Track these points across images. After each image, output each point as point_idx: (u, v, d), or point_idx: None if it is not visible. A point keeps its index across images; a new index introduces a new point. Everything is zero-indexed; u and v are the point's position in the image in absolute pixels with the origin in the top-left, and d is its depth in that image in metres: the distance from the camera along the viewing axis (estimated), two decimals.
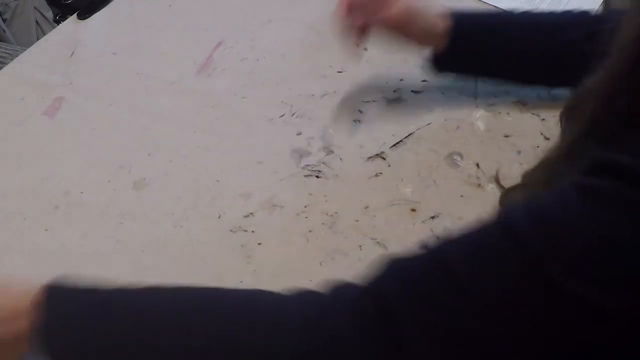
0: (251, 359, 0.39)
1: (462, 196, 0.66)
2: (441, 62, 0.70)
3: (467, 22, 0.68)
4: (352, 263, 0.61)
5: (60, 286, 0.45)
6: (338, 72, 0.82)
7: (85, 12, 0.93)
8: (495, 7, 0.93)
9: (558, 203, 0.36)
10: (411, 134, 0.73)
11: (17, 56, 0.88)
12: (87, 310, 0.43)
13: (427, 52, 0.70)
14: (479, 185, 0.67)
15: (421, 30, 0.67)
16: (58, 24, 1.17)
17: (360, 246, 0.62)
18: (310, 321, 0.39)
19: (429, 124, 0.74)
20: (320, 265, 0.60)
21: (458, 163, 0.70)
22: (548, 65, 0.69)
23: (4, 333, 0.43)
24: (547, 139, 0.71)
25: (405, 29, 0.67)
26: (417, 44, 0.70)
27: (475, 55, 0.69)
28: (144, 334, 0.41)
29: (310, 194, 0.67)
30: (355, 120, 0.75)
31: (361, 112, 0.76)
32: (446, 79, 0.75)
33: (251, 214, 0.65)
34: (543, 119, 0.73)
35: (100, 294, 0.44)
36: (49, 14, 1.83)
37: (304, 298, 0.42)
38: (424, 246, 0.41)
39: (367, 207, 0.66)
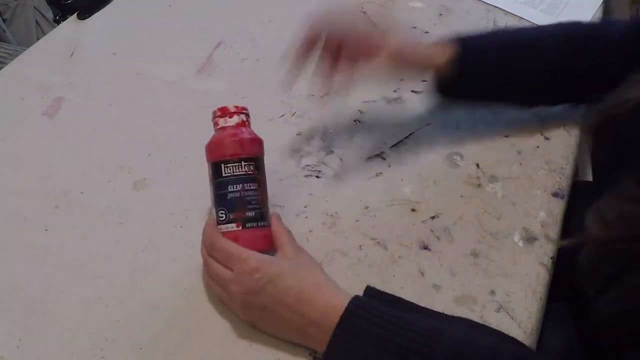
0: None
1: (462, 196, 0.66)
2: (448, 89, 0.66)
3: (472, 46, 0.65)
4: (352, 263, 0.61)
5: (360, 309, 0.50)
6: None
7: (85, 12, 0.93)
8: (495, 6, 0.93)
9: None
10: (411, 134, 0.73)
11: (17, 56, 0.88)
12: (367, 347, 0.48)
13: (429, 80, 0.67)
14: (479, 185, 0.67)
15: (420, 63, 0.64)
16: (58, 24, 1.17)
17: (360, 246, 0.62)
18: None
19: (429, 124, 0.74)
20: (320, 265, 0.60)
21: (458, 163, 0.70)
22: (556, 83, 0.67)
23: (305, 325, 0.51)
24: (547, 139, 0.71)
25: (402, 65, 0.63)
26: (417, 74, 0.67)
27: (482, 79, 0.65)
28: None
29: (310, 194, 0.67)
30: (355, 120, 0.75)
31: (361, 112, 0.76)
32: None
33: None
34: (543, 119, 0.73)
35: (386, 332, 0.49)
36: (49, 14, 1.83)
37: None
38: None
39: (367, 207, 0.66)
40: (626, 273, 0.46)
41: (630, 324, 0.46)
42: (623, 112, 0.52)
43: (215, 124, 0.59)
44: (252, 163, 0.57)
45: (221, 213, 0.56)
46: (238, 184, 0.56)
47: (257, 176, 0.57)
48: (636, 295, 0.45)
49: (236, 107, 0.59)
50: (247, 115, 0.60)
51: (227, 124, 0.58)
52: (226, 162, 0.56)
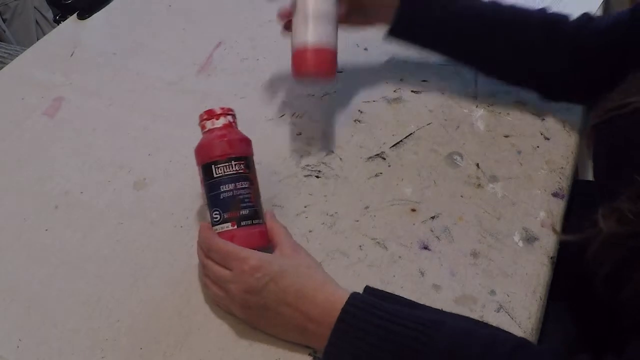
0: None
1: (462, 196, 0.66)
2: (394, 29, 0.72)
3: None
4: (352, 263, 0.61)
5: (360, 303, 0.51)
6: (338, 72, 0.82)
7: (85, 12, 0.93)
8: None
9: None
10: (411, 134, 0.73)
11: (17, 56, 0.88)
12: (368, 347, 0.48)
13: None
14: (479, 185, 0.67)
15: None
16: (58, 24, 1.17)
17: (360, 246, 0.62)
18: None
19: (429, 124, 0.74)
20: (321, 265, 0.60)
21: (458, 163, 0.70)
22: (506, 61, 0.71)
23: (304, 322, 0.51)
24: (547, 139, 0.71)
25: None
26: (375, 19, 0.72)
27: (425, 27, 0.71)
28: None
29: (310, 194, 0.67)
30: (355, 120, 0.75)
31: (361, 112, 0.76)
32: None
33: None
34: (543, 119, 0.73)
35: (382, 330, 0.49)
36: (49, 14, 1.83)
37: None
38: None
39: (367, 207, 0.66)
40: (637, 266, 0.46)
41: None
42: (623, 114, 0.52)
43: (203, 127, 0.59)
44: (242, 162, 0.57)
45: (215, 214, 0.56)
46: (230, 183, 0.56)
47: (249, 175, 0.58)
48: None
49: (222, 108, 0.59)
50: (234, 116, 0.60)
51: (215, 126, 0.58)
52: (216, 163, 0.56)
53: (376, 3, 0.71)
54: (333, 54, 0.65)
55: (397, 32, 0.72)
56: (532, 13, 0.69)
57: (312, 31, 0.64)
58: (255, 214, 0.57)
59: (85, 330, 0.56)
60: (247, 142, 0.59)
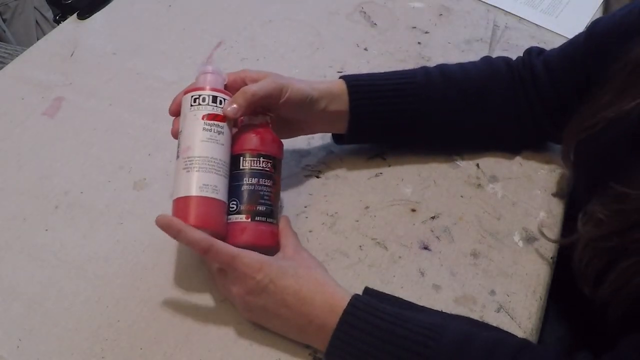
0: None
1: (462, 196, 0.66)
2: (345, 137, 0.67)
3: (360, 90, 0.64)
4: (352, 263, 0.61)
5: (363, 305, 0.51)
6: (338, 72, 0.82)
7: (85, 12, 0.93)
8: (495, 6, 0.93)
9: None
10: None
11: (17, 56, 0.88)
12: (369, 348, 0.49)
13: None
14: (479, 185, 0.67)
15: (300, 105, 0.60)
16: (58, 24, 1.17)
17: (360, 246, 0.62)
18: None
19: None
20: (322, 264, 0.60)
21: (458, 163, 0.70)
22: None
23: (306, 324, 0.51)
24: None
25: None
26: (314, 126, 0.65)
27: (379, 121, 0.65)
28: None
29: (310, 194, 0.67)
30: None
31: None
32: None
33: None
34: None
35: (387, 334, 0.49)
36: (49, 14, 1.83)
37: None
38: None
39: (367, 207, 0.66)
40: (617, 264, 0.47)
41: (625, 308, 0.48)
42: (594, 133, 0.53)
43: (241, 120, 0.60)
44: (270, 161, 0.58)
45: (232, 204, 0.57)
46: (254, 177, 0.57)
47: (274, 175, 0.59)
48: (627, 278, 0.47)
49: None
50: (272, 117, 0.61)
51: (252, 122, 0.60)
52: (245, 156, 0.58)
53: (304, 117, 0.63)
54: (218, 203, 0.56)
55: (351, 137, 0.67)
56: (485, 75, 0.66)
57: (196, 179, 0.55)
58: (271, 213, 0.58)
59: (85, 330, 0.56)
60: (279, 144, 0.60)
